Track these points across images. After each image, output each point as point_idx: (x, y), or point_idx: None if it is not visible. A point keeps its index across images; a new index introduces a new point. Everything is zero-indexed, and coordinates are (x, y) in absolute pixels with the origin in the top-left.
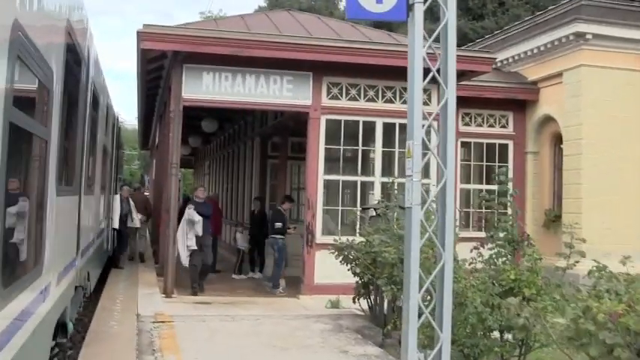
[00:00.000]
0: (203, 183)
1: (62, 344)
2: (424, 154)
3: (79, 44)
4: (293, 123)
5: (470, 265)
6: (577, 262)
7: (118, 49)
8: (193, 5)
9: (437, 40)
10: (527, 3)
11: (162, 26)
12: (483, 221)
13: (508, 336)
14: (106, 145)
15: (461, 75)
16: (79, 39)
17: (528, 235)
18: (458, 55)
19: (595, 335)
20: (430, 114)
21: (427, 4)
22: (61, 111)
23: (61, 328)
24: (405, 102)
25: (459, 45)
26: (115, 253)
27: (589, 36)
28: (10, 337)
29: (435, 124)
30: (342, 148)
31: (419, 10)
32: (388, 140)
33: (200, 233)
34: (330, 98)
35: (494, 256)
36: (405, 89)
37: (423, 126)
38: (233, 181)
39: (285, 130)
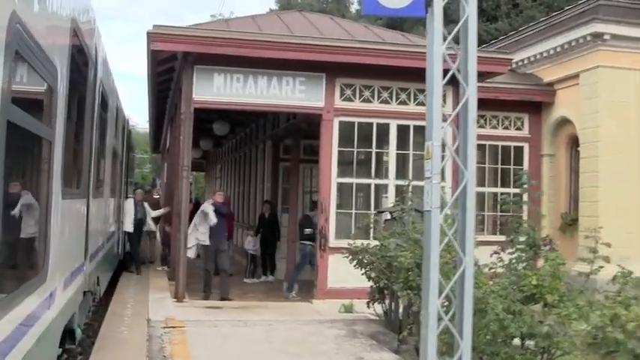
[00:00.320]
0: (215, 186)
1: (71, 350)
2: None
3: (86, 43)
4: (305, 125)
5: (490, 270)
6: (601, 267)
7: (129, 52)
8: (204, 8)
9: (455, 41)
10: (542, 4)
11: (173, 27)
12: (498, 224)
13: (529, 343)
14: (115, 147)
15: (477, 76)
16: (86, 38)
17: (551, 239)
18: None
19: (623, 344)
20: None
21: None
22: (66, 111)
23: (69, 334)
24: (419, 104)
25: None
26: (126, 257)
27: (607, 36)
28: (13, 346)
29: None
30: (355, 150)
31: (438, 5)
32: (402, 142)
33: (214, 221)
34: (343, 100)
35: (514, 260)
36: (419, 91)
37: (443, 127)
38: (245, 184)
39: (298, 133)
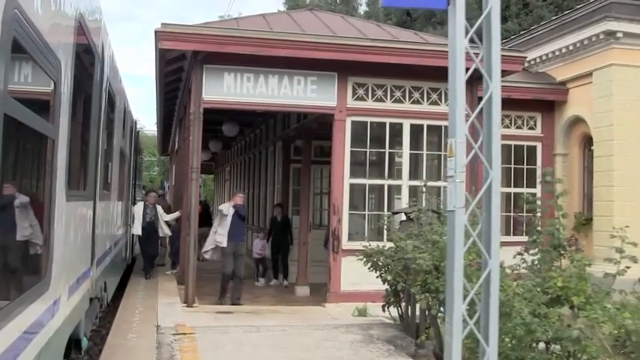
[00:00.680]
0: (223, 189)
1: None
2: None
3: (92, 39)
4: (316, 126)
5: (513, 271)
6: (628, 267)
7: (137, 54)
8: (212, 9)
9: (477, 35)
10: (552, 4)
11: (182, 25)
12: (511, 224)
13: (555, 347)
14: (123, 148)
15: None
16: (92, 33)
17: (576, 240)
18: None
19: None
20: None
21: None
22: (71, 108)
23: (74, 343)
24: (433, 103)
25: None
26: (147, 263)
27: (620, 34)
28: (15, 358)
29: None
30: (368, 150)
31: None
32: (415, 142)
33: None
34: (355, 99)
35: (536, 262)
36: (433, 89)
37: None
38: (254, 186)
39: (309, 134)
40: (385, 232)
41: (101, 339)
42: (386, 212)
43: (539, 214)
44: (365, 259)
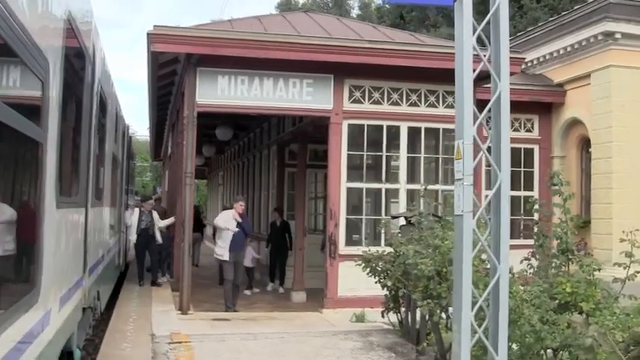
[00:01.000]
0: (217, 194)
1: None
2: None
3: (82, 40)
4: (312, 129)
5: (518, 277)
6: (638, 272)
7: (130, 61)
8: (204, 13)
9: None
10: (546, 6)
11: (175, 27)
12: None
13: (564, 354)
14: (115, 153)
15: (487, 77)
16: (83, 34)
17: (585, 244)
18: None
19: None
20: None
21: None
22: (61, 111)
23: (67, 356)
24: (430, 105)
25: None
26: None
27: (618, 35)
28: None
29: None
30: (365, 154)
31: None
32: (413, 146)
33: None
34: (352, 102)
35: (541, 267)
36: (430, 92)
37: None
38: (249, 191)
39: (304, 137)
40: (383, 236)
41: (94, 348)
42: (384, 216)
43: (548, 218)
44: (364, 265)
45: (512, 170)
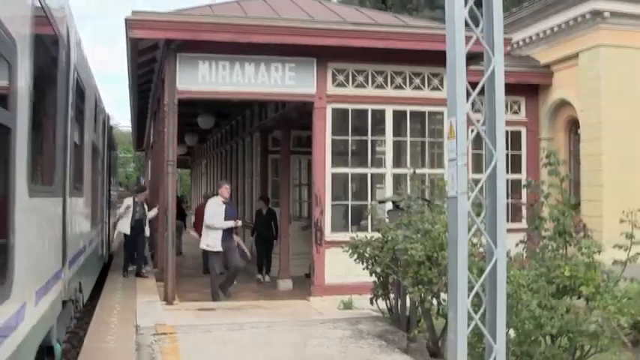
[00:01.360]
0: (201, 183)
1: None
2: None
3: (55, 20)
4: (296, 114)
5: (514, 261)
6: (639, 254)
7: (112, 53)
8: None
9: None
10: None
11: (153, 12)
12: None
13: (562, 340)
14: (95, 142)
15: (473, 57)
16: (55, 14)
17: (584, 225)
18: (468, 37)
19: None
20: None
21: None
22: (31, 94)
23: (47, 351)
24: (416, 88)
25: None
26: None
27: (607, 14)
28: None
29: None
30: (349, 138)
31: None
32: (398, 129)
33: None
34: (335, 86)
35: (538, 250)
36: (415, 74)
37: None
38: (232, 179)
39: (287, 123)
40: (370, 222)
41: (79, 340)
42: (370, 202)
43: (542, 199)
44: (351, 251)
45: None
